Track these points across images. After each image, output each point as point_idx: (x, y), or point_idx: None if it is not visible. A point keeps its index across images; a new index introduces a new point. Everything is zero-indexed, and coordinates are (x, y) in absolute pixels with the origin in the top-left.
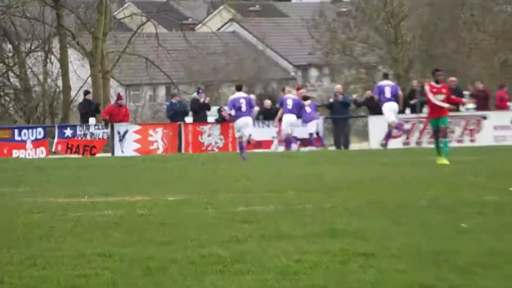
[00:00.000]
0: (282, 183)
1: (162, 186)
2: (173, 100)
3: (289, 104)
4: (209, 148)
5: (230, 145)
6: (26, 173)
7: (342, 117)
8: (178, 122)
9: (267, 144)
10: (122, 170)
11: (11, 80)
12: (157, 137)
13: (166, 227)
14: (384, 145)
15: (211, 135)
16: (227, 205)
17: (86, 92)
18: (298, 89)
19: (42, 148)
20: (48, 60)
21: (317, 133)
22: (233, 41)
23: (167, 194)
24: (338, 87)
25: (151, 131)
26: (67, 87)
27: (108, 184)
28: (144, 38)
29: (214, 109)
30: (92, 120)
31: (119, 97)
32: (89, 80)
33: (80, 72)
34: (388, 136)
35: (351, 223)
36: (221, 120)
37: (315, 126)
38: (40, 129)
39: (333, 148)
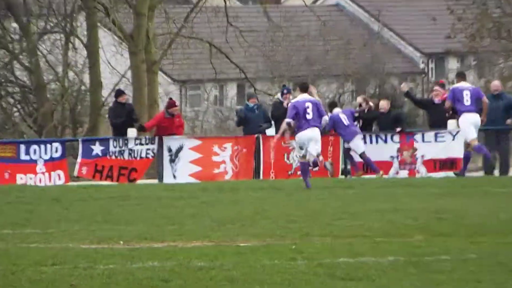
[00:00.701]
0: (404, 223)
1: (231, 227)
2: (249, 104)
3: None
4: (298, 172)
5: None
6: (37, 207)
7: (497, 129)
8: (255, 135)
9: (383, 166)
10: (173, 203)
11: (17, 73)
12: (225, 156)
13: (236, 284)
14: (460, 174)
15: None
16: (324, 254)
17: (119, 93)
18: (441, 85)
19: (60, 172)
20: (70, 45)
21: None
22: (335, 19)
23: (237, 238)
24: (496, 84)
25: (216, 148)
26: (96, 84)
27: (153, 224)
28: (208, 15)
29: None
30: (131, 132)
31: (171, 104)
32: (129, 74)
33: (115, 63)
34: (466, 161)
35: (507, 283)
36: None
37: (362, 142)
38: (57, 145)
39: (478, 173)
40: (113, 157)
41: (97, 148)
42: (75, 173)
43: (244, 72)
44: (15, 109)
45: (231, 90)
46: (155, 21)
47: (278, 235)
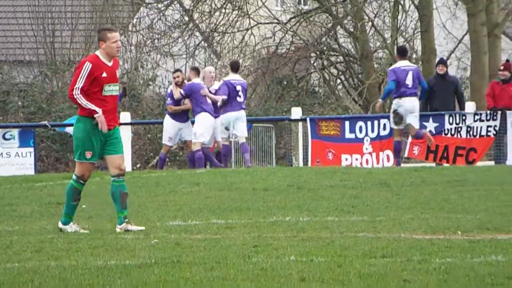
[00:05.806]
0: None
1: None
2: None
3: None
4: None
5: None
6: (363, 192)
7: None
8: None
9: None
10: None
11: (341, 41)
12: None
13: None
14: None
15: None
16: None
17: (440, 62)
18: None
19: (388, 152)
20: (399, 7)
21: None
22: None
23: None
24: None
25: None
26: (430, 51)
27: (496, 212)
28: None
29: None
30: (470, 106)
31: (506, 66)
32: (466, 39)
33: (451, 27)
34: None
35: None
36: None
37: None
38: (385, 121)
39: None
40: (449, 135)
41: (430, 125)
42: (406, 154)
43: None
44: (338, 81)
45: None
46: None
47: None
